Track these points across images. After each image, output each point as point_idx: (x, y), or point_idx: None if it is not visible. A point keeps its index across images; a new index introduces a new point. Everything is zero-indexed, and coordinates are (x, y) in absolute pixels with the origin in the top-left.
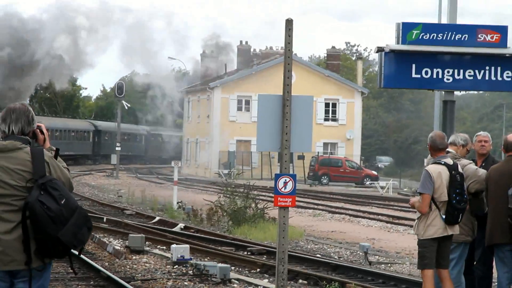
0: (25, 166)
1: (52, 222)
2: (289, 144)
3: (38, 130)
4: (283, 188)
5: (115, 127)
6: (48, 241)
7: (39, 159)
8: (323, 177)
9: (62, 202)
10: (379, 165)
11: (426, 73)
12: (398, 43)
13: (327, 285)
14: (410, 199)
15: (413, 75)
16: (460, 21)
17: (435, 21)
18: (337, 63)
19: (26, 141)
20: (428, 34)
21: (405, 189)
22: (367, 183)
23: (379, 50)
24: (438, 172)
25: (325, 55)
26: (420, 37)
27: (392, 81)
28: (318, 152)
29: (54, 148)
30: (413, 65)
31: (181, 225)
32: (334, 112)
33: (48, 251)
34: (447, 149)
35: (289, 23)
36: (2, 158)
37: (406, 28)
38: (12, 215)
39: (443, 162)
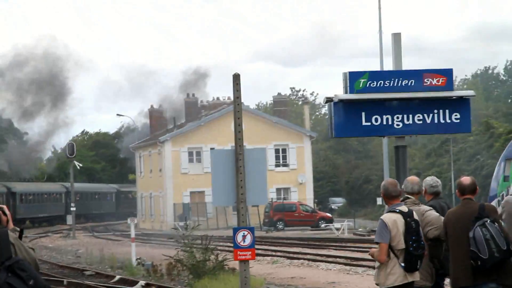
0: None
1: None
2: (244, 198)
3: (0, 212)
4: (242, 241)
5: (86, 187)
6: None
7: (4, 240)
8: (278, 223)
9: (31, 283)
10: (333, 207)
11: (376, 120)
12: (346, 92)
13: None
14: (370, 250)
15: (363, 123)
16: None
17: (378, 60)
18: (284, 109)
19: None
20: (375, 81)
21: (360, 229)
22: (322, 225)
23: (328, 100)
24: (393, 220)
25: (272, 101)
26: (367, 85)
27: (343, 130)
28: (272, 198)
29: (18, 229)
30: (363, 113)
31: (142, 282)
32: (284, 157)
33: None
34: (407, 195)
35: (236, 78)
36: None
37: (353, 77)
38: None
39: (398, 210)
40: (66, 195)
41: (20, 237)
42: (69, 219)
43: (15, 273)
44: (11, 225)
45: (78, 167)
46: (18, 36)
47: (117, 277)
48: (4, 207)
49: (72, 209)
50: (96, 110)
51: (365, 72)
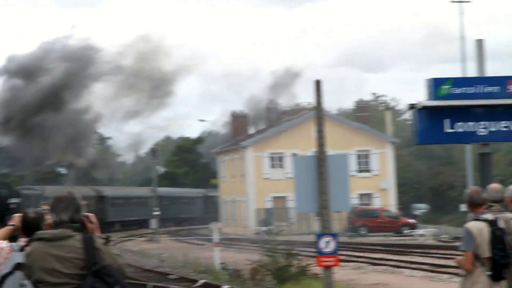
0: (77, 253)
1: None
2: (327, 204)
3: (87, 219)
4: (325, 247)
5: (173, 192)
6: None
7: (91, 246)
8: (361, 228)
9: None
10: (416, 213)
11: (460, 127)
12: (429, 99)
13: None
14: (456, 258)
15: (447, 130)
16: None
17: (460, 66)
18: (366, 115)
19: (76, 229)
20: (458, 88)
21: (444, 236)
22: (406, 231)
23: (411, 107)
24: (479, 228)
25: (353, 107)
26: (451, 92)
27: (426, 137)
28: (354, 204)
29: (104, 236)
30: (446, 120)
31: (225, 287)
32: (366, 163)
33: None
34: (490, 203)
35: (318, 83)
36: (54, 246)
37: (436, 84)
38: None
39: (483, 218)
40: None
41: (106, 244)
42: (153, 223)
43: (101, 279)
44: (97, 233)
45: (160, 172)
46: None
47: (201, 281)
48: (91, 215)
49: (155, 213)
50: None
51: (448, 78)
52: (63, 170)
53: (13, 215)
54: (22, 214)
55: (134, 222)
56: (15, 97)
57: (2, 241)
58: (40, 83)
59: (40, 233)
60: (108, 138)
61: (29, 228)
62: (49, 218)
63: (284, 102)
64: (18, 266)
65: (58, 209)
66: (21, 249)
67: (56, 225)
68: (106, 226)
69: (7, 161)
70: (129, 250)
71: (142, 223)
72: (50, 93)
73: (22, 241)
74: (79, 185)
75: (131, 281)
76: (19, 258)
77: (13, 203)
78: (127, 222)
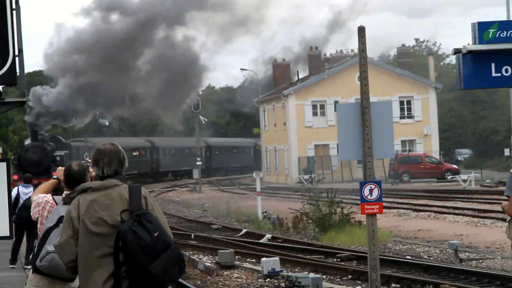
0: (122, 201)
1: (143, 252)
2: (371, 151)
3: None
4: (369, 195)
5: (223, 142)
6: (138, 274)
7: (137, 193)
8: (403, 175)
9: (155, 235)
10: (459, 158)
11: (506, 71)
12: (475, 43)
13: None
14: (502, 203)
15: (493, 74)
16: None
17: (504, 9)
18: (408, 61)
19: (123, 180)
20: (505, 31)
21: (487, 181)
22: (449, 177)
23: (457, 52)
24: None
25: (396, 53)
26: (497, 36)
27: (472, 82)
28: (397, 151)
29: None
30: (492, 64)
31: (268, 235)
32: (409, 109)
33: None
34: None
35: (361, 30)
36: (100, 196)
37: (482, 28)
38: (111, 260)
39: None
40: (206, 150)
41: None
42: (195, 173)
43: (141, 223)
44: None
45: (204, 122)
46: None
47: (244, 230)
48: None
49: (198, 163)
50: (221, 65)
51: (494, 22)
52: (105, 122)
53: (58, 168)
54: (65, 167)
55: (185, 172)
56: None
57: (46, 194)
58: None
59: (85, 184)
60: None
61: (73, 181)
62: (92, 171)
63: (327, 49)
64: (62, 219)
65: (103, 163)
66: (65, 202)
67: (100, 179)
68: (159, 176)
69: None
70: (171, 200)
71: (189, 173)
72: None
73: (66, 194)
74: (130, 136)
75: (175, 232)
76: (63, 211)
77: (59, 155)
78: (179, 172)
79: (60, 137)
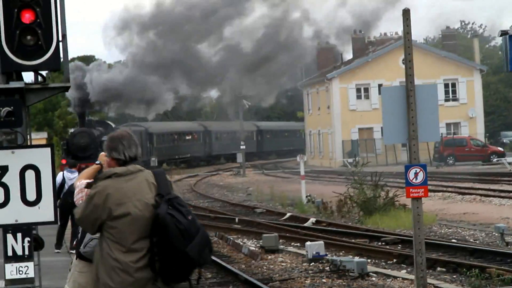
0: (150, 186)
1: (181, 235)
2: (416, 135)
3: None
4: (414, 179)
5: (274, 126)
6: (174, 257)
7: (163, 178)
8: (448, 158)
9: (190, 218)
10: (505, 141)
11: None
12: None
13: (467, 272)
14: None
15: None
16: None
17: None
18: (453, 43)
19: (143, 165)
20: None
21: None
22: (494, 160)
23: (503, 33)
24: None
25: (440, 35)
26: None
27: None
28: (441, 133)
29: None
30: None
31: (312, 219)
32: (454, 92)
33: (172, 271)
34: None
35: (406, 13)
36: (128, 181)
37: None
38: (142, 243)
39: None
40: (257, 133)
41: None
42: (239, 157)
43: (174, 207)
44: None
45: (247, 106)
46: None
47: (288, 214)
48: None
49: (242, 147)
50: None
51: None
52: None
53: (101, 154)
54: None
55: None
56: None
57: (88, 180)
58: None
59: (110, 170)
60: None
61: None
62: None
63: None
64: None
65: (123, 147)
66: None
67: (123, 163)
68: (212, 158)
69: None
70: (216, 184)
71: (249, 156)
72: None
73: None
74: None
75: (220, 215)
76: None
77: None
78: (231, 155)
79: (109, 122)
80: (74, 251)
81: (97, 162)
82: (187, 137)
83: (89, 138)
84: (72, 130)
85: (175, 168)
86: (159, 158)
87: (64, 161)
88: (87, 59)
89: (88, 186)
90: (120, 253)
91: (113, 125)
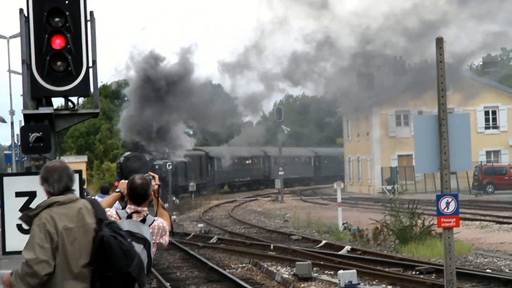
0: (89, 212)
1: (125, 256)
2: (448, 164)
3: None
4: (446, 208)
5: (332, 151)
6: (118, 278)
7: (99, 205)
8: (488, 186)
9: (129, 240)
10: None
11: None
12: None
13: None
14: None
15: None
16: None
17: None
18: (494, 70)
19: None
20: None
21: None
22: None
23: None
24: None
25: (481, 62)
26: None
27: None
28: (481, 161)
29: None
30: None
31: (348, 247)
32: (494, 119)
33: None
34: None
35: (439, 41)
36: (68, 208)
37: None
38: (87, 269)
39: None
40: (315, 159)
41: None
42: (278, 183)
43: (115, 230)
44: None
45: (286, 132)
46: None
47: (323, 241)
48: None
49: (280, 173)
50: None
51: None
52: (190, 131)
53: (121, 182)
54: (129, 180)
55: (295, 180)
56: None
57: (109, 208)
58: None
59: (52, 198)
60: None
61: (136, 194)
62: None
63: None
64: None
65: (53, 180)
66: (129, 216)
67: (52, 195)
68: (269, 182)
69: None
70: (253, 210)
71: (303, 181)
72: None
73: (130, 208)
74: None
75: (255, 242)
76: (127, 225)
77: (158, 164)
78: (289, 180)
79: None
80: None
81: (117, 190)
82: (247, 161)
83: (140, 162)
84: (126, 153)
85: (214, 193)
86: (220, 181)
87: (116, 183)
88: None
89: (24, 217)
90: (67, 280)
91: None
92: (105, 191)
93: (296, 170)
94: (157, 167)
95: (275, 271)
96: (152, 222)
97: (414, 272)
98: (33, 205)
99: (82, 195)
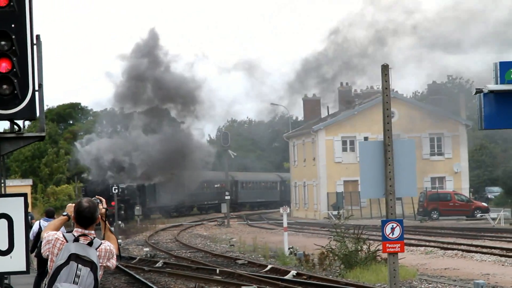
0: None
1: None
2: (393, 190)
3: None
4: (391, 234)
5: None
6: None
7: None
8: (432, 212)
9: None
10: (489, 196)
11: None
12: (496, 83)
13: None
14: None
15: None
16: None
17: None
18: (439, 97)
19: None
20: None
21: None
22: (478, 215)
23: (478, 91)
24: None
25: (427, 89)
26: None
27: (493, 122)
28: (426, 188)
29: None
30: None
31: (293, 272)
32: (439, 146)
33: None
34: None
35: (385, 68)
36: None
37: (503, 68)
38: None
39: None
40: (280, 184)
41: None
42: (224, 207)
43: None
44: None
45: (233, 156)
46: None
47: (269, 266)
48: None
49: (226, 197)
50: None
51: None
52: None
53: (68, 205)
54: (76, 204)
55: (262, 204)
56: None
57: (56, 232)
58: None
59: None
60: (182, 122)
61: (83, 218)
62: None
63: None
64: (73, 257)
65: None
66: (76, 239)
67: None
68: (238, 206)
69: None
70: (199, 234)
71: (269, 205)
72: None
73: (77, 231)
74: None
75: (200, 266)
76: (74, 248)
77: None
78: (257, 203)
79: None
80: None
81: (64, 213)
82: (264, 185)
83: (103, 186)
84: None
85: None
86: (242, 200)
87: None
88: (73, 106)
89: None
90: None
91: None
92: (50, 215)
93: (263, 195)
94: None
95: None
96: (99, 245)
97: None
98: None
99: (26, 219)
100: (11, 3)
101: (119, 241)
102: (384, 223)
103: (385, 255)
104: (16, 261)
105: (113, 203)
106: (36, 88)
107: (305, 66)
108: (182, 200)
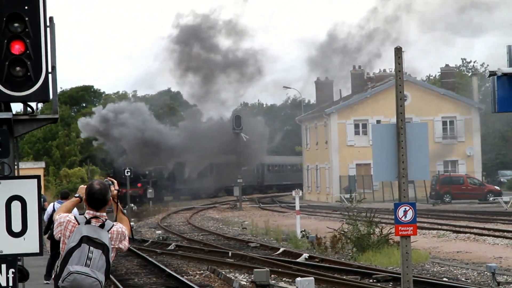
0: None
1: None
2: (406, 173)
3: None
4: (403, 217)
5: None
6: None
7: None
8: (445, 196)
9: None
10: (502, 180)
11: None
12: (510, 66)
13: None
14: None
15: None
16: None
17: None
18: (452, 81)
19: None
20: None
21: None
22: (490, 199)
23: (491, 74)
24: None
25: (440, 73)
26: None
27: (506, 105)
28: (438, 171)
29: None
30: None
31: (305, 255)
32: (452, 130)
33: None
34: None
35: (398, 51)
36: None
37: None
38: None
39: None
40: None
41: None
42: (236, 190)
43: None
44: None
45: (245, 139)
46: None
47: (281, 249)
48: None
49: (239, 180)
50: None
51: None
52: None
53: (80, 187)
54: (87, 186)
55: (288, 186)
56: None
57: (68, 214)
58: None
59: None
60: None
61: (94, 200)
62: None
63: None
64: (84, 239)
65: None
66: (88, 221)
67: None
68: (264, 188)
69: None
70: (211, 217)
71: (292, 187)
72: None
73: (89, 213)
74: None
75: (212, 249)
76: (85, 230)
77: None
78: (282, 186)
79: None
80: (48, 282)
81: (76, 195)
82: (289, 167)
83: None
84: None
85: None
86: (269, 183)
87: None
88: (86, 89)
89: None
90: None
91: None
92: (64, 196)
93: (289, 177)
94: (147, 172)
95: (233, 278)
96: (111, 227)
97: (371, 280)
98: None
99: (40, 201)
100: None
101: (131, 223)
102: (396, 206)
103: (397, 238)
104: (29, 243)
105: (139, 185)
106: (50, 70)
107: (324, 47)
108: (213, 184)
